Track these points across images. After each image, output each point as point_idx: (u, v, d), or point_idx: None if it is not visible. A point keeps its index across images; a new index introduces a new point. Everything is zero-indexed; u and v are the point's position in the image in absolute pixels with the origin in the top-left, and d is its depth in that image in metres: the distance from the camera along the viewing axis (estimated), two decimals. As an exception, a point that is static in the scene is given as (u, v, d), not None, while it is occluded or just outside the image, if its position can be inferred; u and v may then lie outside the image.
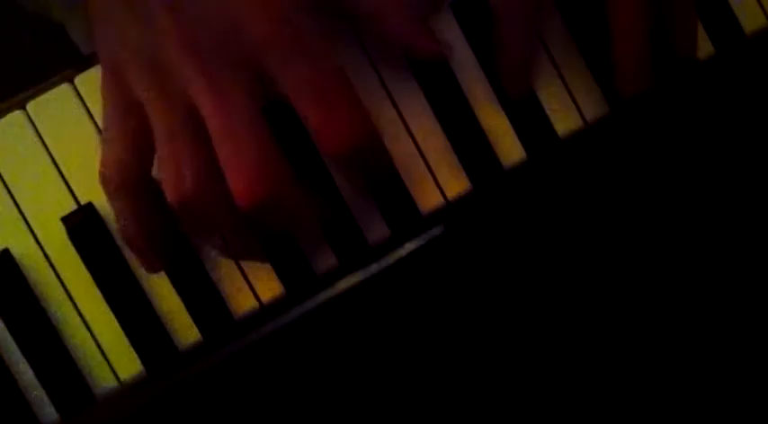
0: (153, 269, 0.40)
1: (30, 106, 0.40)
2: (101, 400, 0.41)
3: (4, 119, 0.40)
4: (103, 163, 0.38)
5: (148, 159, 0.37)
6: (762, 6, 0.43)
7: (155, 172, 0.37)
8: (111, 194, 0.38)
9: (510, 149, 0.42)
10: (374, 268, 0.41)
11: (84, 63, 0.40)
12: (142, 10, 0.35)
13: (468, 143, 0.41)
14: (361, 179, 0.38)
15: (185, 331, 0.41)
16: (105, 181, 0.38)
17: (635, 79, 0.40)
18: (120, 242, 0.40)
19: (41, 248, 0.40)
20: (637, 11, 0.39)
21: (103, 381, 0.41)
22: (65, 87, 0.40)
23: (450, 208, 0.41)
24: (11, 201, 0.40)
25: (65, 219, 0.40)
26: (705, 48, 0.43)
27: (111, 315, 0.40)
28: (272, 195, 0.34)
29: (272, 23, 0.34)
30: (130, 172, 0.37)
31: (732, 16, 0.43)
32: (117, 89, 0.37)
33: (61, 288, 0.40)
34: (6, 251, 0.40)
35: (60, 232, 0.40)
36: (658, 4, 0.39)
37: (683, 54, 0.41)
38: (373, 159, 0.37)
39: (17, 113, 0.40)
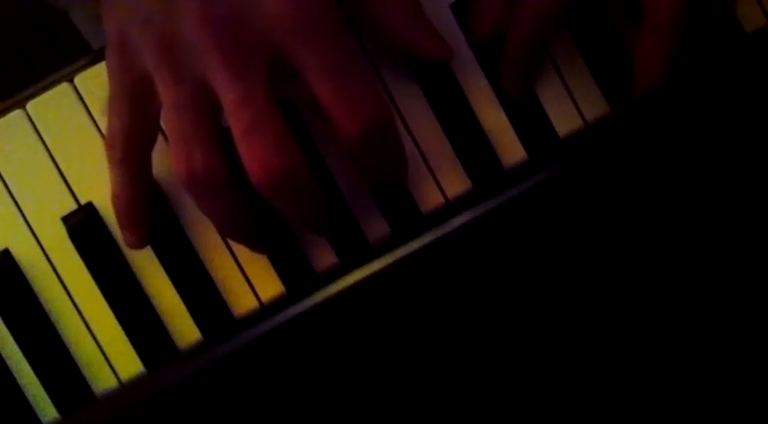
0: (135, 245, 0.39)
1: (30, 106, 0.40)
2: (101, 399, 0.41)
3: (3, 119, 0.40)
4: (109, 133, 0.38)
5: (152, 132, 0.37)
6: (762, 6, 0.43)
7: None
8: (114, 162, 0.38)
9: (510, 149, 0.42)
10: (375, 266, 0.41)
11: (84, 58, 0.40)
12: None
13: (469, 143, 0.41)
14: (369, 170, 0.38)
15: (185, 330, 0.41)
16: (110, 148, 0.38)
17: (655, 76, 0.40)
18: (120, 241, 0.40)
19: (41, 248, 0.40)
20: (673, 28, 0.39)
21: (103, 380, 0.41)
22: (65, 86, 0.40)
23: (451, 208, 0.41)
24: (11, 201, 0.40)
25: (65, 219, 0.40)
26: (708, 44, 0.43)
27: (111, 315, 0.40)
28: (287, 172, 0.34)
29: (295, 4, 0.34)
30: (133, 145, 0.37)
31: (732, 16, 0.43)
32: (123, 61, 0.37)
33: (61, 288, 0.40)
34: (6, 251, 0.40)
35: (60, 232, 0.40)
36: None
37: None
38: (386, 144, 0.37)
39: (17, 112, 0.40)
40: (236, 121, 0.34)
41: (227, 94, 0.34)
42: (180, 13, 0.34)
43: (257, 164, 0.34)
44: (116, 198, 0.39)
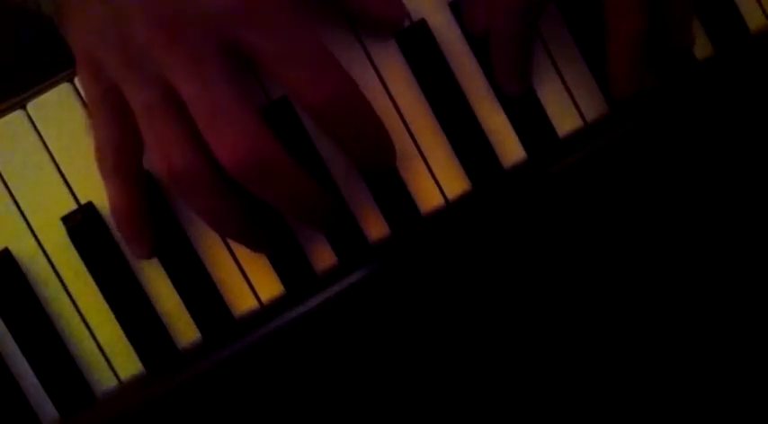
0: (141, 255, 0.40)
1: (30, 106, 0.40)
2: (101, 399, 0.41)
3: (3, 119, 0.40)
4: (96, 148, 0.38)
5: (136, 138, 0.37)
6: (762, 6, 0.43)
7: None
8: (106, 175, 0.38)
9: (510, 149, 0.42)
10: (374, 267, 0.41)
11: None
12: None
13: (468, 143, 0.41)
14: (350, 147, 0.38)
15: (185, 330, 0.41)
16: (99, 162, 0.38)
17: (626, 81, 0.40)
18: (120, 241, 0.40)
19: (41, 248, 0.40)
20: (632, 17, 0.39)
21: (103, 380, 0.41)
22: (65, 87, 0.40)
23: (451, 208, 0.41)
24: (11, 201, 0.40)
25: (65, 219, 0.40)
26: (705, 48, 0.43)
27: (111, 315, 0.40)
28: (258, 155, 0.34)
29: None
30: (121, 154, 0.38)
31: (737, 15, 0.43)
32: (92, 75, 0.37)
33: (61, 288, 0.40)
34: (6, 251, 0.40)
35: (60, 232, 0.40)
36: (656, 7, 0.39)
37: (675, 44, 0.42)
38: (357, 116, 0.37)
39: (17, 113, 0.40)
40: (197, 114, 0.34)
41: (185, 89, 0.34)
42: (128, 19, 0.35)
43: (225, 152, 0.34)
44: (116, 211, 0.39)
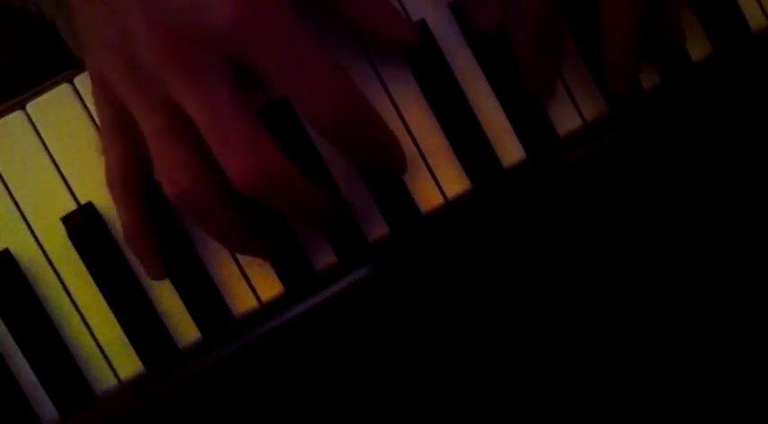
0: (156, 276, 0.40)
1: (30, 106, 0.40)
2: (101, 398, 0.41)
3: (3, 119, 0.40)
4: (107, 171, 0.38)
5: (147, 161, 0.37)
6: (762, 6, 0.43)
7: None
8: (116, 197, 0.39)
9: (510, 149, 0.42)
10: (373, 266, 0.41)
11: (83, 63, 0.40)
12: (116, 11, 0.35)
13: (468, 143, 0.41)
14: (357, 156, 0.38)
15: (185, 330, 0.41)
16: (110, 185, 0.39)
17: (622, 76, 0.41)
18: (120, 241, 0.40)
19: (41, 248, 0.40)
20: (628, 16, 0.39)
21: (103, 380, 0.41)
22: (65, 87, 0.40)
23: (450, 208, 0.41)
24: (11, 201, 0.40)
25: (65, 219, 0.40)
26: (705, 47, 0.43)
27: (112, 315, 0.40)
28: (267, 171, 0.34)
29: (238, 7, 0.34)
30: (131, 175, 0.38)
31: (738, 15, 0.43)
32: (105, 95, 0.37)
33: (61, 288, 0.40)
34: (6, 251, 0.40)
35: (60, 232, 0.40)
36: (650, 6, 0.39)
37: (670, 41, 0.42)
38: (363, 127, 0.37)
39: (17, 113, 0.40)
40: (207, 134, 0.34)
41: (195, 111, 0.34)
42: (134, 42, 0.35)
43: (235, 170, 0.34)
44: (130, 234, 0.39)
